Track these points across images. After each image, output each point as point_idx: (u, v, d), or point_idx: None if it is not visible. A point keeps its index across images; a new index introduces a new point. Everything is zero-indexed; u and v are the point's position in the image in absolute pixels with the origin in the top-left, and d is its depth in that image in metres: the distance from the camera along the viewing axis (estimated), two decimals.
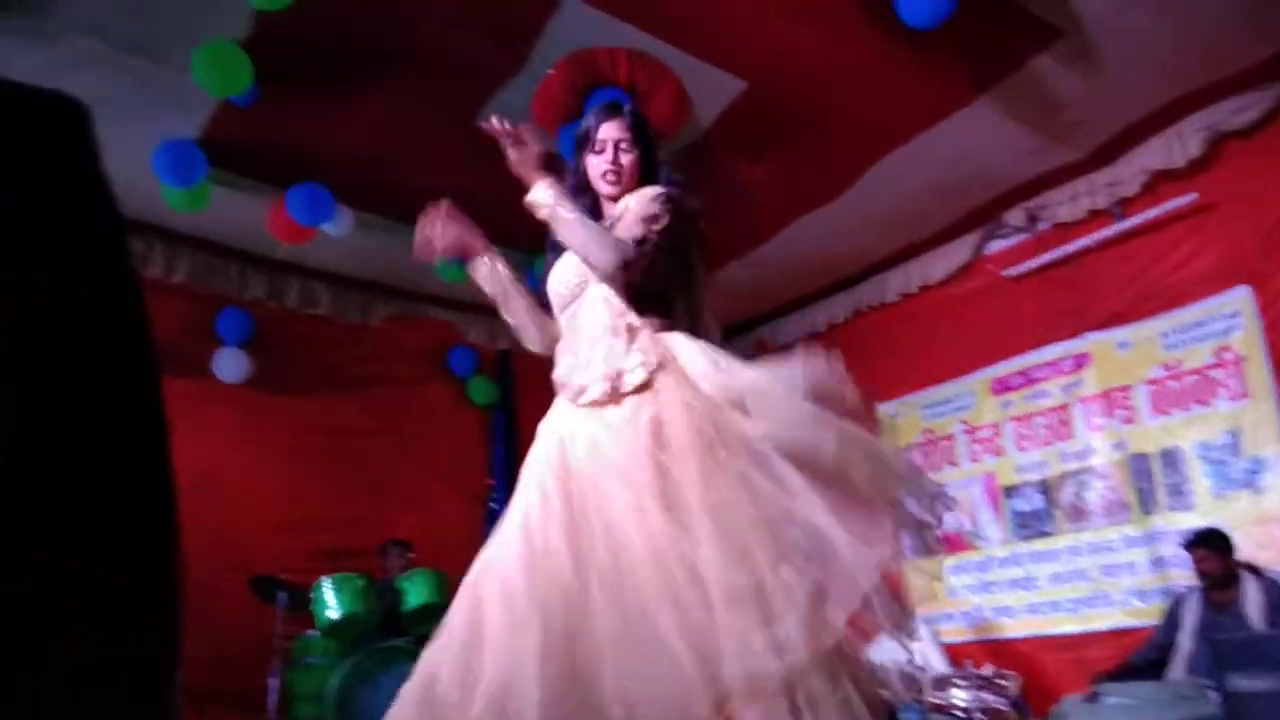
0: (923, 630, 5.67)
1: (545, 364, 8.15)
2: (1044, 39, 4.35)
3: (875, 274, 6.65)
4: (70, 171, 0.70)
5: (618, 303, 2.16)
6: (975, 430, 6.04)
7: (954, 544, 6.06)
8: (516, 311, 2.47)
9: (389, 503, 6.01)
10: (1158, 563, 5.04)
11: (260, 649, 4.58)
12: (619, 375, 2.03)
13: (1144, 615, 4.98)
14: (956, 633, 5.88)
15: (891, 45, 4.20)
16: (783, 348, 7.34)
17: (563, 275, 2.31)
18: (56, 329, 0.66)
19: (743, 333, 7.70)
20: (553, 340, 2.39)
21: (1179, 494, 5.01)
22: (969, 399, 6.09)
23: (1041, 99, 4.78)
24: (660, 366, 2.02)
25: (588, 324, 2.18)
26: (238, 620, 4.63)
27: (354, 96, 4.46)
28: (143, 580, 0.73)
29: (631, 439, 1.91)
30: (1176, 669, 4.35)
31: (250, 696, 4.51)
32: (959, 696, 4.83)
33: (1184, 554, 4.69)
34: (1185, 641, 4.42)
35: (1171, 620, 4.55)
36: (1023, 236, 5.85)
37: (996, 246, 6.03)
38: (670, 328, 2.16)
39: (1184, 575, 4.77)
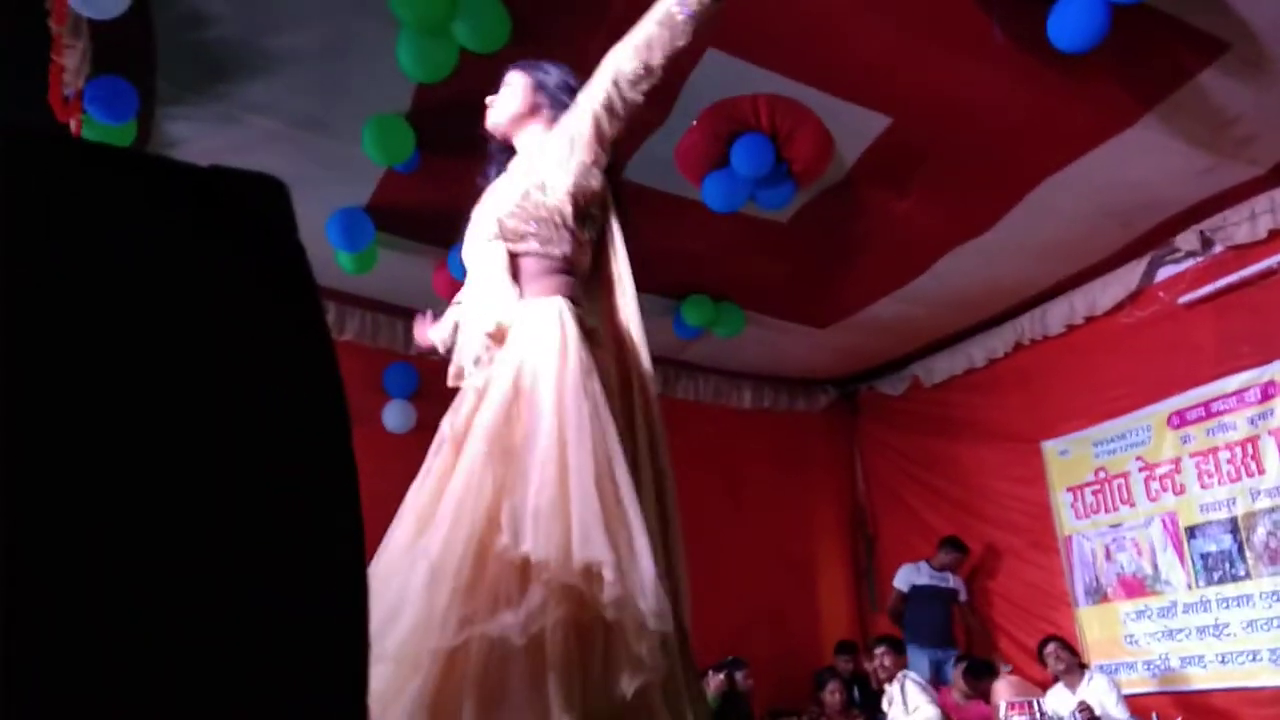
0: (1100, 679, 5.33)
1: (691, 409, 8.19)
2: (1210, 52, 4.13)
3: (1036, 305, 6.39)
4: (278, 244, 0.79)
5: (502, 261, 2.03)
6: (1153, 467, 5.68)
7: (1133, 588, 5.70)
8: None
9: None
10: None
11: None
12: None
13: None
14: (1139, 683, 5.50)
15: (1043, 69, 4.07)
16: (939, 386, 7.15)
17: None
18: (268, 387, 0.75)
19: (896, 370, 7.54)
20: None
21: None
22: (1144, 434, 5.73)
23: (1211, 115, 4.52)
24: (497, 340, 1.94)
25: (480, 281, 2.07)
26: None
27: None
28: (334, 630, 0.79)
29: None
30: None
31: None
32: None
33: None
34: None
35: None
36: (1196, 260, 5.52)
37: (1168, 272, 5.71)
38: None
39: None
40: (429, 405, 6.13)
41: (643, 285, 6.62)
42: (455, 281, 5.36)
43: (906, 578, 6.43)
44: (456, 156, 4.66)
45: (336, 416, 0.83)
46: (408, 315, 6.16)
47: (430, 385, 6.20)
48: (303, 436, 0.76)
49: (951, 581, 6.37)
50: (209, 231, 0.76)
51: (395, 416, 5.97)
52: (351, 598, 0.81)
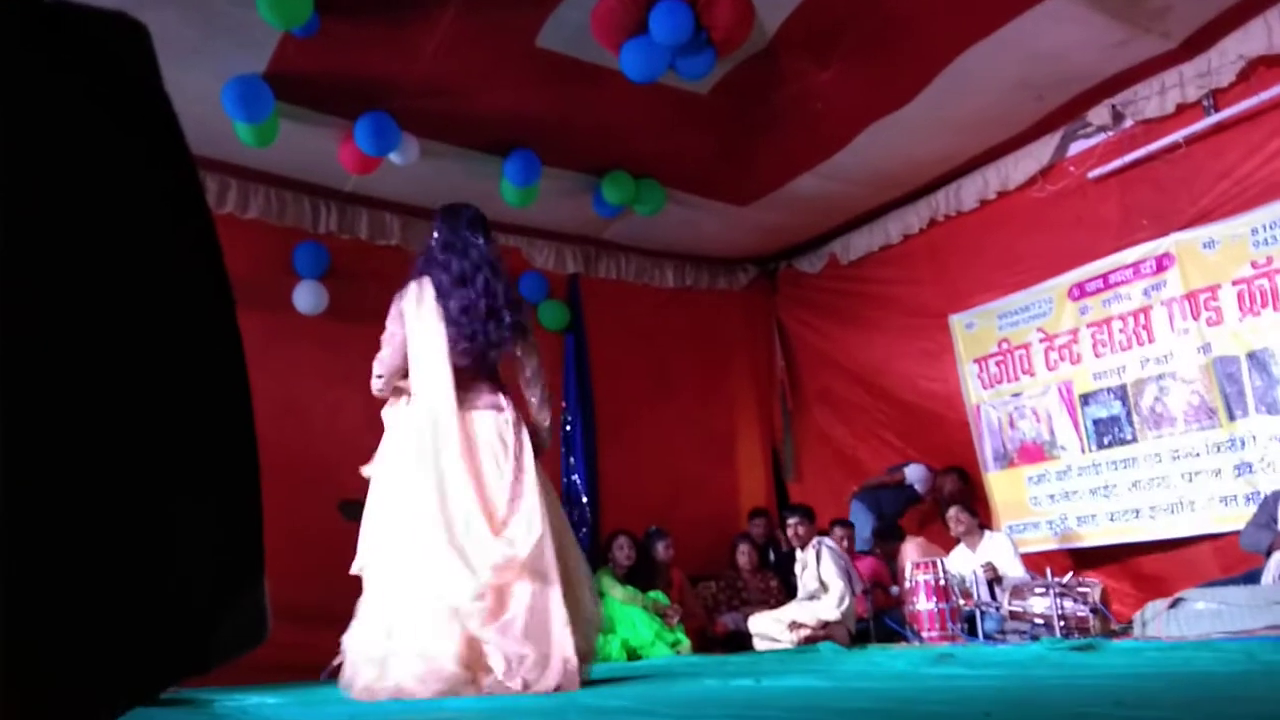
0: (1000, 539, 5.64)
1: (614, 288, 8.19)
2: None
3: (951, 181, 6.45)
4: (136, 83, 0.72)
5: None
6: (1052, 338, 5.89)
7: (1033, 454, 5.99)
8: None
9: None
10: (1243, 468, 4.91)
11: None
12: None
13: (1229, 521, 4.87)
14: (1039, 541, 5.84)
15: None
16: (855, 263, 7.23)
17: None
18: (125, 239, 0.69)
19: (814, 247, 7.59)
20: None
21: (1268, 397, 4.84)
22: (1046, 306, 5.93)
23: None
24: None
25: None
26: (328, 540, 4.82)
27: (413, 23, 4.45)
28: (223, 491, 0.76)
29: None
30: (1270, 573, 4.26)
31: (343, 614, 4.71)
32: (1038, 604, 4.81)
33: (1272, 459, 4.58)
34: None
35: (1269, 517, 4.44)
36: (1107, 135, 5.60)
37: (1079, 147, 5.79)
38: None
39: (1271, 481, 4.66)
40: (340, 285, 5.98)
41: (561, 162, 6.52)
42: (363, 155, 5.16)
43: (914, 476, 6.51)
44: (357, 19, 4.43)
45: (215, 286, 0.78)
46: (315, 191, 5.96)
47: (341, 265, 6.03)
48: (172, 300, 0.71)
49: (930, 496, 6.52)
50: (58, 70, 0.68)
51: (306, 298, 5.80)
52: (241, 485, 0.77)
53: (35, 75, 0.67)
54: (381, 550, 3.12)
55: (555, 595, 3.02)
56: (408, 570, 3.01)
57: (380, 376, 3.36)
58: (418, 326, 3.25)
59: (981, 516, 5.85)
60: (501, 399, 3.33)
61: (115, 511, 0.67)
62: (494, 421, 3.24)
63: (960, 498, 6.35)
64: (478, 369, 3.33)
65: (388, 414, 3.40)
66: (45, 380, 0.64)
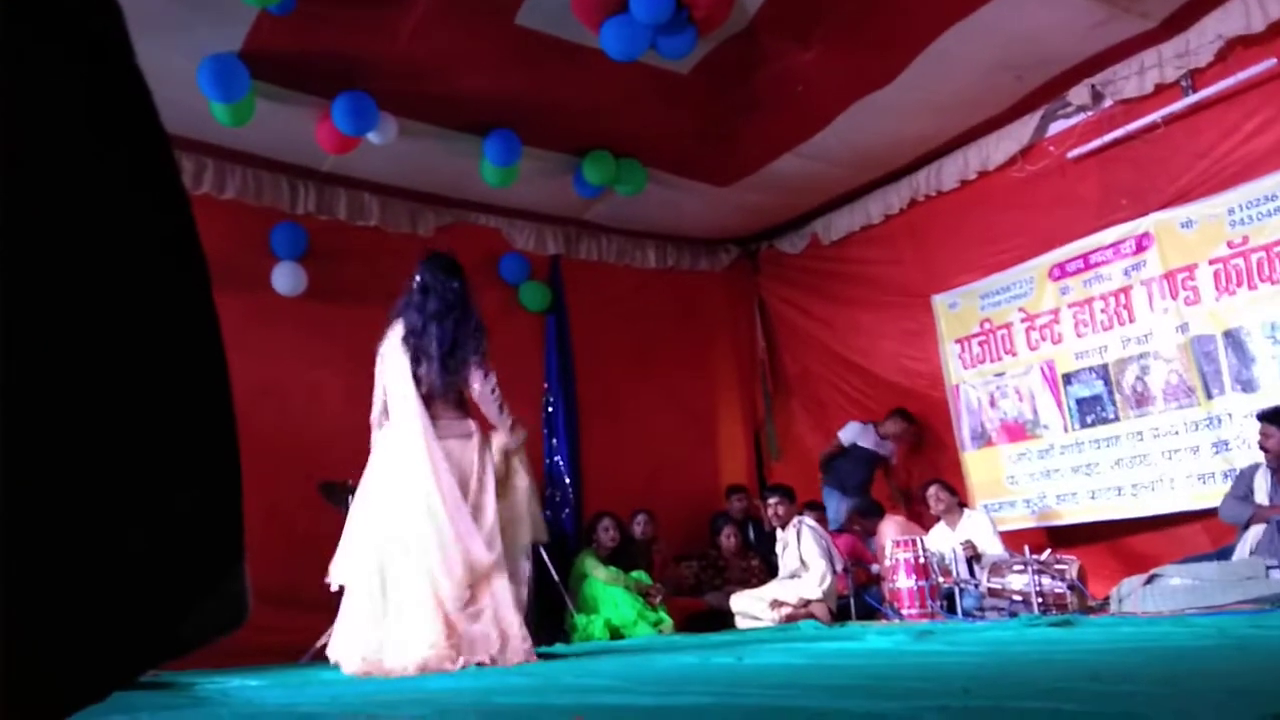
0: (979, 517, 5.70)
1: (595, 269, 8.18)
2: None
3: (932, 161, 6.46)
4: (109, 62, 0.70)
5: None
6: (1034, 318, 5.93)
7: (1015, 433, 6.03)
8: None
9: None
10: (1220, 445, 4.97)
11: (331, 551, 4.75)
12: None
13: (1206, 499, 4.94)
14: (1019, 519, 5.90)
15: None
16: (836, 243, 7.24)
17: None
18: (98, 221, 0.67)
19: (796, 228, 7.59)
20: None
21: (1243, 376, 4.89)
22: (1027, 286, 5.96)
23: None
24: None
25: None
26: (308, 522, 4.80)
27: (392, 1, 4.39)
28: (202, 475, 0.75)
29: None
30: (1243, 549, 4.32)
31: (324, 597, 4.70)
32: (1016, 581, 4.87)
33: (1247, 437, 4.63)
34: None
35: (1247, 490, 4.50)
36: (1086, 115, 5.62)
37: (1059, 127, 5.81)
38: None
39: (1247, 458, 4.72)
40: (319, 266, 5.93)
41: (542, 142, 6.47)
42: (341, 134, 5.11)
43: (851, 435, 6.58)
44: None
45: (191, 267, 0.76)
46: (293, 171, 5.90)
47: (319, 245, 5.98)
48: (146, 279, 0.69)
49: (886, 450, 6.58)
50: (27, 46, 0.66)
51: (285, 279, 5.75)
52: (219, 465, 0.76)
53: (4, 53, 0.65)
54: (366, 557, 3.53)
55: (507, 588, 3.54)
56: (399, 570, 3.44)
57: (375, 422, 3.83)
58: (391, 365, 3.72)
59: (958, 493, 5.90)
60: (470, 424, 3.76)
61: (91, 497, 0.66)
62: (462, 449, 3.69)
63: (906, 437, 6.50)
64: (444, 397, 3.74)
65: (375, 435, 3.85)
66: (16, 366, 0.63)
